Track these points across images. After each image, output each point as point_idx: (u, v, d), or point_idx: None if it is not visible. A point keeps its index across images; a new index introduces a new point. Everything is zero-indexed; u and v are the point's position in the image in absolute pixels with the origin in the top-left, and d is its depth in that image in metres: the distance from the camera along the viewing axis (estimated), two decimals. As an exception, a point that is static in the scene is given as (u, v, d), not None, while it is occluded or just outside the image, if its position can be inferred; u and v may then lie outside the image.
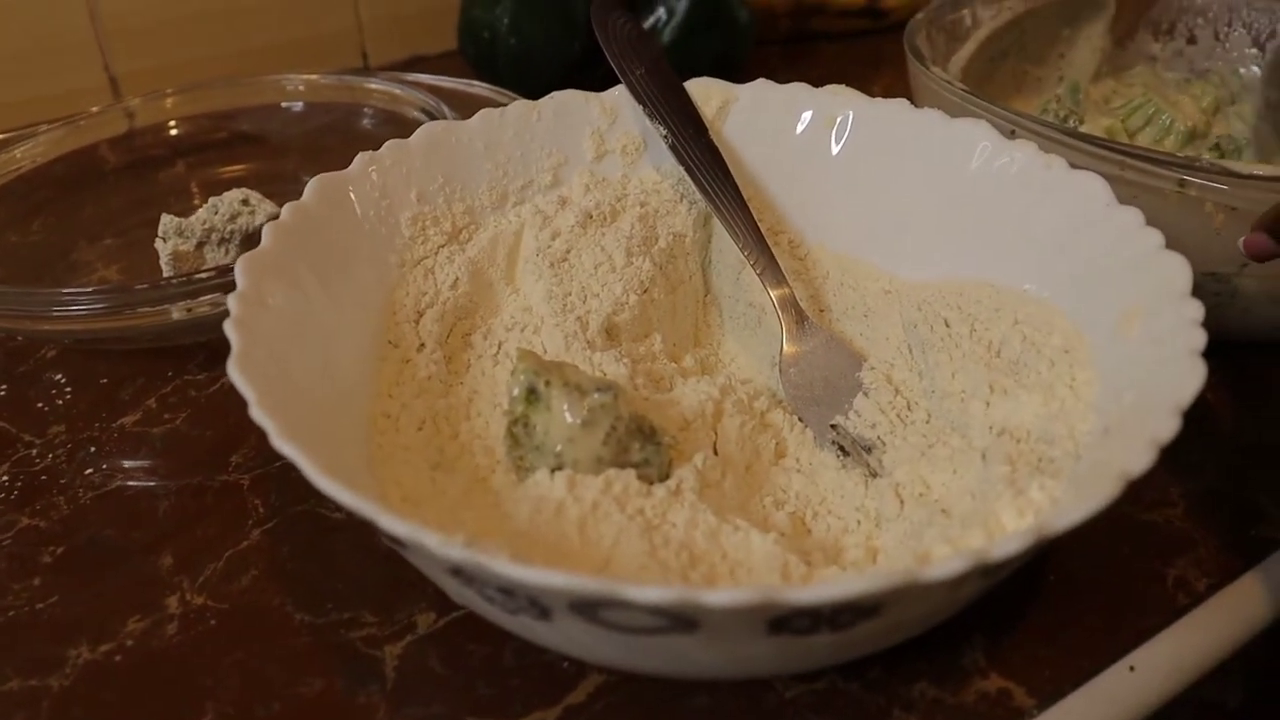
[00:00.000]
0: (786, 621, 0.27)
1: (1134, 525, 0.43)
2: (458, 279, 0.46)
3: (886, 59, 0.51)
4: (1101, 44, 0.67)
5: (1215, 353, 0.33)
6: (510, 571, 0.26)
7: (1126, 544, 0.42)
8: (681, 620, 0.26)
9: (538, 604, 0.28)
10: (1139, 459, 0.29)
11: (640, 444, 0.37)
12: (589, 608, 0.26)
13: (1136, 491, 0.43)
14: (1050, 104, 0.63)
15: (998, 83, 0.65)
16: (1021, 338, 0.41)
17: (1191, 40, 0.69)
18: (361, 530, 0.44)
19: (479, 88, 0.67)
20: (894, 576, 0.25)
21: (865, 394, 0.43)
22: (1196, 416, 0.30)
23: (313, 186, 0.43)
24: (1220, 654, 0.39)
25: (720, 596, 0.25)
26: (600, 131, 0.51)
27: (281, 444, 0.30)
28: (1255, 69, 0.67)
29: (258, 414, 0.31)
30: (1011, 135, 0.47)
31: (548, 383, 0.37)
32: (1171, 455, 0.30)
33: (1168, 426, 0.30)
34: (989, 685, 0.37)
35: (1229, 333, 0.47)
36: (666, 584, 0.30)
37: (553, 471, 0.36)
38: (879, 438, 0.42)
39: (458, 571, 0.28)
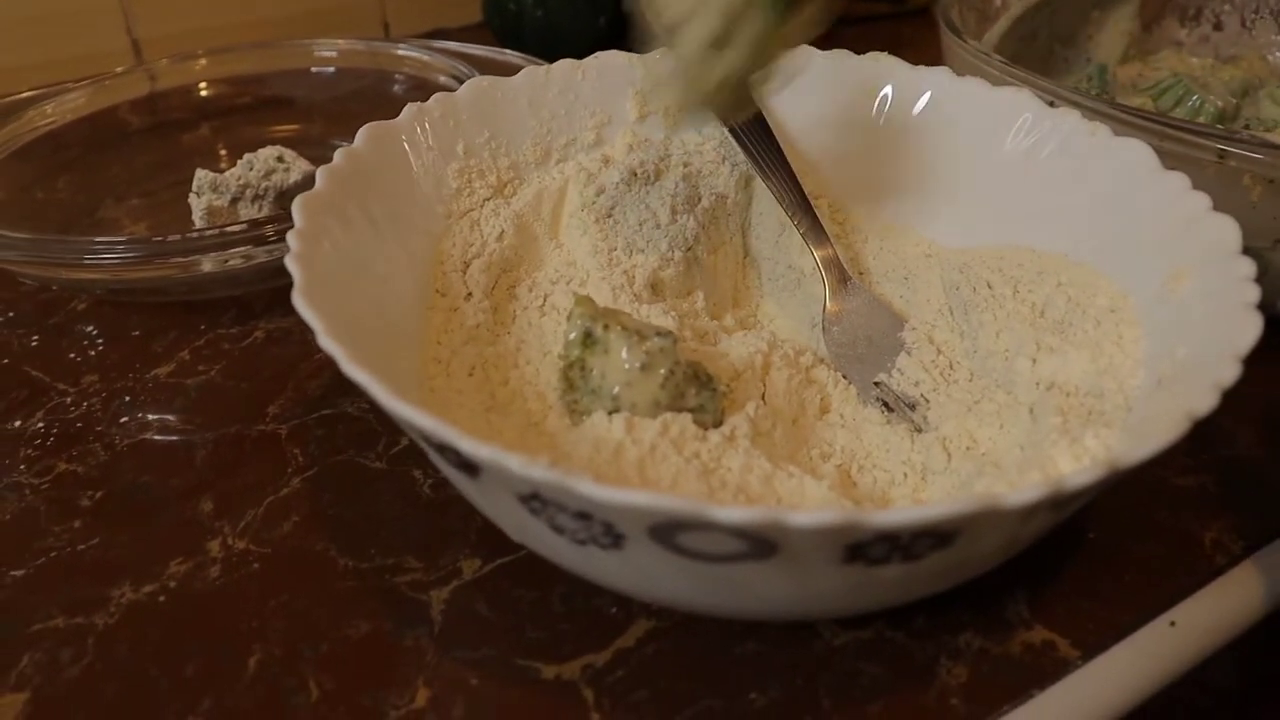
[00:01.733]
0: (864, 548, 0.27)
1: (1170, 490, 0.44)
2: (503, 231, 0.46)
3: (906, 42, 0.52)
4: (1130, 27, 0.68)
5: None
6: (596, 493, 0.26)
7: (1162, 508, 0.43)
8: (762, 544, 0.26)
9: (613, 531, 0.28)
10: (1204, 399, 0.29)
11: (696, 390, 0.38)
12: (670, 531, 0.27)
13: (1170, 457, 0.44)
14: (1081, 84, 0.64)
15: (1027, 63, 0.65)
16: (1066, 298, 0.41)
17: (1218, 26, 0.70)
18: (403, 479, 0.44)
19: (509, 55, 0.67)
20: (977, 500, 0.26)
21: (908, 353, 0.44)
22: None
23: (364, 134, 0.43)
24: (1258, 612, 0.40)
25: (806, 518, 0.25)
26: (643, 92, 0.51)
27: (352, 369, 0.30)
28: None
29: (326, 342, 0.31)
30: (1052, 105, 0.47)
31: (605, 326, 0.38)
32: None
33: (1230, 371, 0.30)
34: (1034, 636, 0.37)
35: (1262, 307, 0.47)
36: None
37: (610, 414, 0.36)
38: (922, 395, 0.42)
39: (533, 497, 0.28)
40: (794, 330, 0.48)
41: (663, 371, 0.37)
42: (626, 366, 0.37)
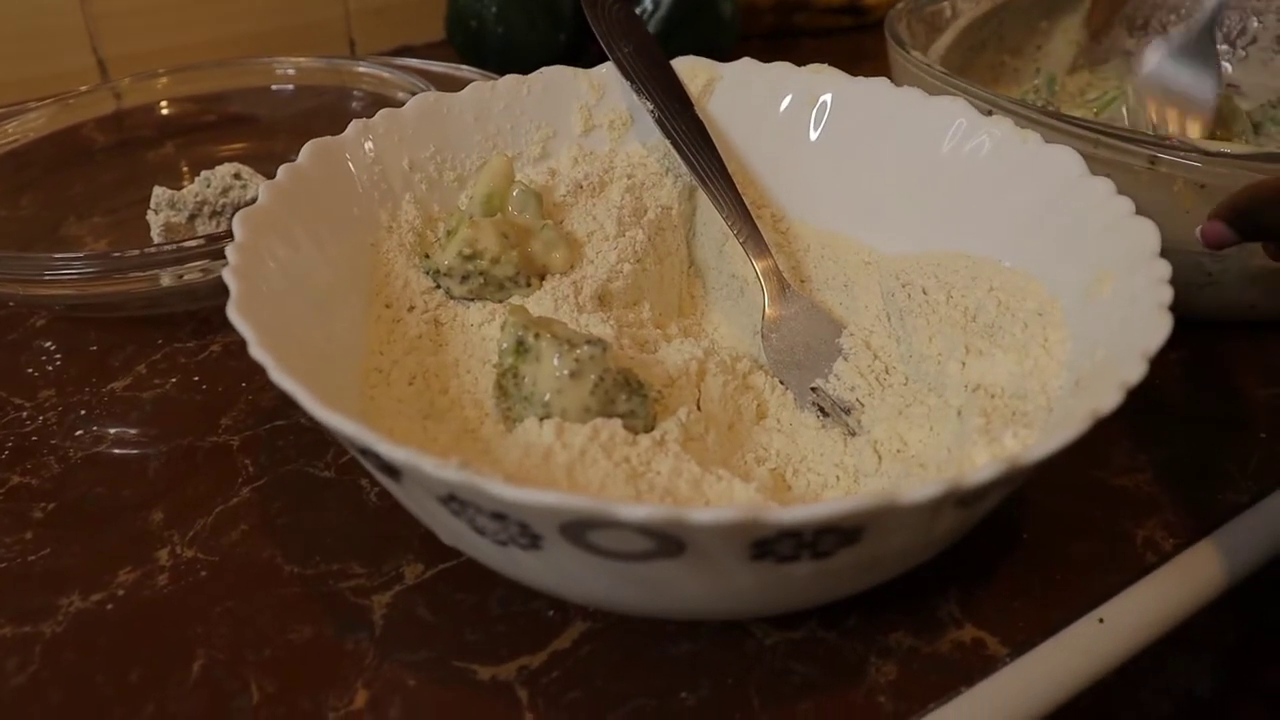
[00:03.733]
0: (769, 545, 0.28)
1: (1104, 489, 0.44)
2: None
3: (867, 55, 0.53)
4: (1077, 37, 0.69)
5: (1182, 331, 0.34)
6: (504, 493, 0.26)
7: (1098, 507, 0.44)
8: (669, 542, 0.27)
9: (528, 531, 0.29)
10: (1108, 399, 0.30)
11: (626, 395, 0.38)
12: (579, 529, 0.27)
13: (1107, 458, 0.45)
14: (1028, 94, 0.65)
15: (976, 73, 0.67)
16: (996, 303, 0.42)
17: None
18: (350, 487, 0.45)
19: (467, 71, 0.68)
20: (873, 498, 0.26)
21: (845, 358, 0.45)
22: (1164, 390, 0.31)
23: (308, 150, 0.44)
24: (1186, 609, 0.40)
25: (706, 514, 0.26)
26: (588, 106, 0.52)
27: (280, 378, 0.31)
28: (1228, 66, 0.69)
29: (257, 352, 0.32)
30: (988, 114, 0.48)
31: (536, 335, 0.38)
32: (1141, 425, 0.31)
33: (1135, 370, 0.31)
34: (964, 635, 0.38)
35: (1196, 311, 0.48)
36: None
37: (541, 420, 0.37)
38: (858, 399, 0.43)
39: (451, 498, 0.29)
40: (737, 338, 0.49)
41: (592, 378, 0.37)
42: (557, 374, 0.37)
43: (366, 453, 0.30)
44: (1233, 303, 0.51)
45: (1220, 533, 0.43)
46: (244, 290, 0.35)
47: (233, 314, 0.33)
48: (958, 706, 0.36)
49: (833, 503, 0.26)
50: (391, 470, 0.30)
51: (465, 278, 0.45)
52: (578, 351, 0.38)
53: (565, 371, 0.37)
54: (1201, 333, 0.33)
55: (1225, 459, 0.46)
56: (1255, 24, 0.69)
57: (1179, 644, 0.38)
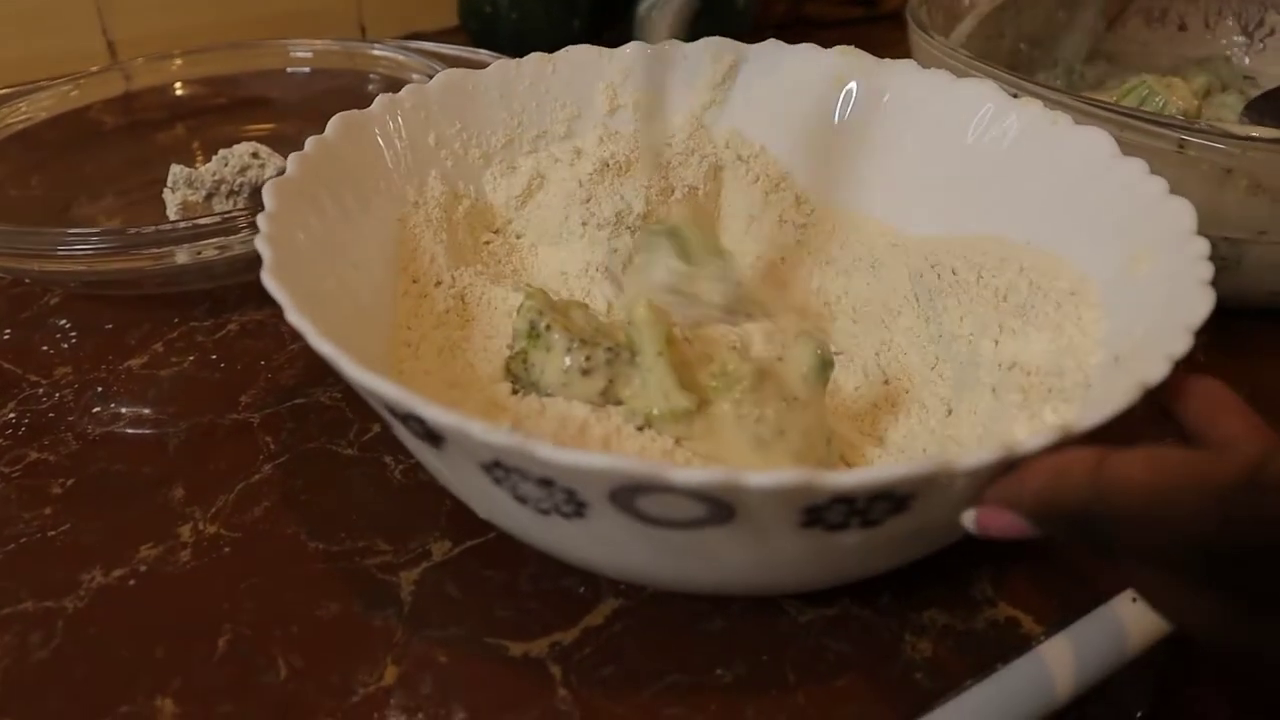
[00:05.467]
0: (821, 512, 0.27)
1: (1134, 472, 0.44)
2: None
3: (880, 46, 0.52)
4: (1095, 27, 0.69)
5: (1216, 319, 0.34)
6: (556, 456, 0.26)
7: (1127, 489, 0.43)
8: (720, 507, 0.27)
9: (574, 498, 0.28)
10: (1155, 370, 0.30)
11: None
12: (630, 495, 0.27)
13: (1135, 440, 0.45)
14: (1049, 82, 0.64)
15: (993, 61, 0.67)
16: (1028, 283, 0.42)
17: (1182, 27, 0.71)
18: (373, 465, 0.44)
19: (483, 55, 0.67)
20: (928, 463, 0.26)
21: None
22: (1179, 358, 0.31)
23: (335, 123, 0.43)
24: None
25: (761, 477, 0.25)
26: (613, 86, 0.51)
27: (319, 342, 0.30)
28: (1245, 58, 0.69)
29: (294, 317, 0.31)
30: (1015, 97, 0.48)
31: (549, 326, 0.38)
32: (1169, 410, 0.31)
33: (1181, 343, 0.31)
34: (998, 613, 0.38)
35: (1223, 298, 0.48)
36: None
37: None
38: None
39: (495, 465, 0.29)
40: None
41: (602, 382, 0.37)
42: (565, 368, 0.37)
43: (409, 418, 0.29)
44: (1252, 289, 0.51)
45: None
46: (278, 257, 0.34)
47: (267, 279, 0.33)
48: (995, 683, 0.35)
49: (887, 467, 0.26)
50: (435, 436, 0.29)
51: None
52: (589, 352, 0.37)
53: (576, 368, 0.37)
54: (1220, 319, 0.33)
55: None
56: (1273, 16, 0.69)
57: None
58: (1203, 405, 0.31)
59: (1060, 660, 0.36)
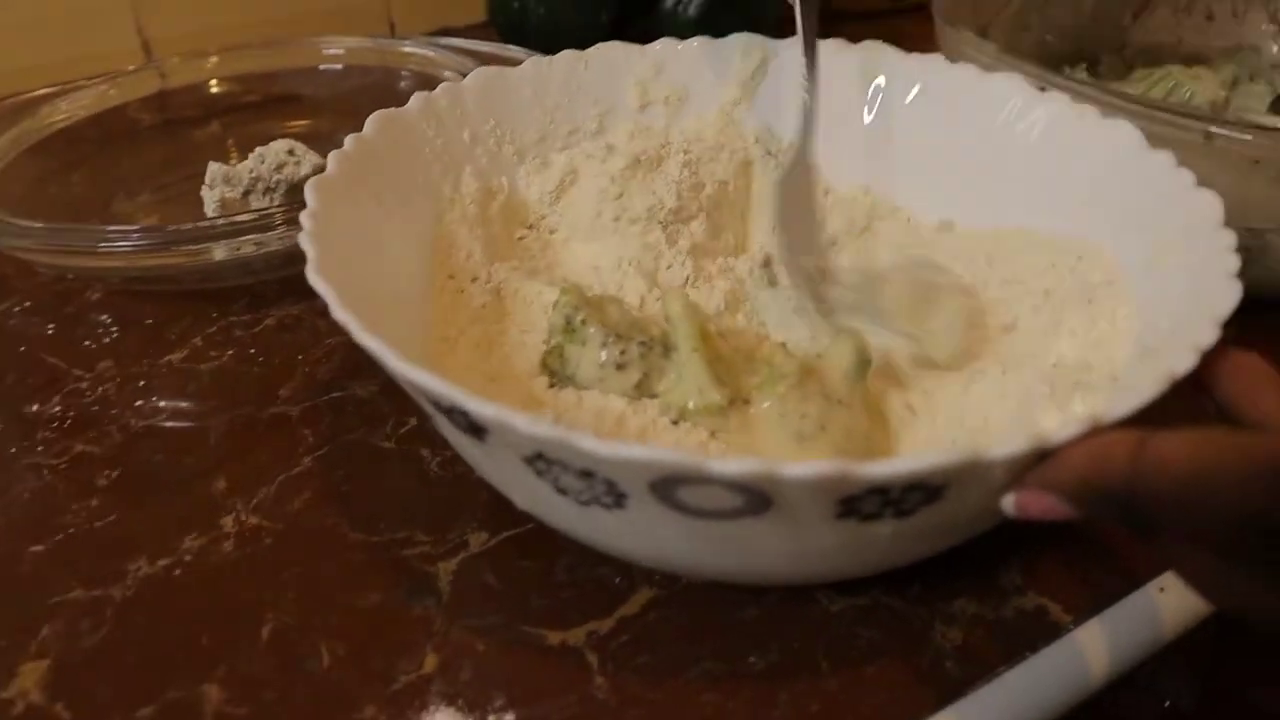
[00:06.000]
0: (855, 503, 0.28)
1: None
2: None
3: (906, 38, 0.53)
4: (1121, 18, 0.69)
5: (1239, 310, 0.34)
6: (597, 448, 0.27)
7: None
8: (757, 498, 0.28)
9: (615, 489, 0.29)
10: (1183, 360, 0.30)
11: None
12: (670, 486, 0.28)
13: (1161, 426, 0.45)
14: (1074, 75, 0.65)
15: (1020, 53, 0.67)
16: (1059, 276, 0.42)
17: (1210, 17, 0.71)
18: (411, 457, 0.45)
19: (514, 51, 0.68)
20: (961, 453, 0.27)
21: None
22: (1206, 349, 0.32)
23: (373, 121, 0.44)
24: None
25: (798, 468, 0.26)
26: (644, 82, 0.52)
27: (365, 337, 0.31)
28: (1273, 47, 0.69)
29: (339, 313, 0.32)
30: (1042, 90, 0.48)
31: (584, 320, 0.39)
32: (1192, 401, 0.31)
33: (1209, 334, 0.31)
34: (1026, 602, 0.38)
35: (1250, 289, 0.48)
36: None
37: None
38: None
39: (537, 457, 0.29)
40: (782, 318, 0.49)
41: (637, 375, 0.38)
42: (601, 363, 0.38)
43: (452, 411, 0.30)
44: (1275, 280, 0.51)
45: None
46: (322, 255, 0.35)
47: (313, 277, 0.34)
48: (1029, 669, 0.36)
49: (921, 456, 0.26)
50: (477, 429, 0.30)
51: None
52: (624, 346, 0.38)
53: (611, 364, 0.38)
54: (1244, 310, 0.33)
55: (1279, 435, 0.46)
56: (1302, 6, 0.69)
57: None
58: (1242, 383, 0.30)
59: (1094, 646, 0.36)
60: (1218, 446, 0.25)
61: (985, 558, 0.39)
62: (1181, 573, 0.30)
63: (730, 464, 0.26)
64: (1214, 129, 0.46)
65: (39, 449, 0.46)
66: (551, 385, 0.40)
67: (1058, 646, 0.36)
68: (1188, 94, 0.62)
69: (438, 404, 0.31)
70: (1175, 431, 0.26)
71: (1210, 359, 0.31)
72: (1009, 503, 0.29)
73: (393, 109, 0.45)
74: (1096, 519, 0.28)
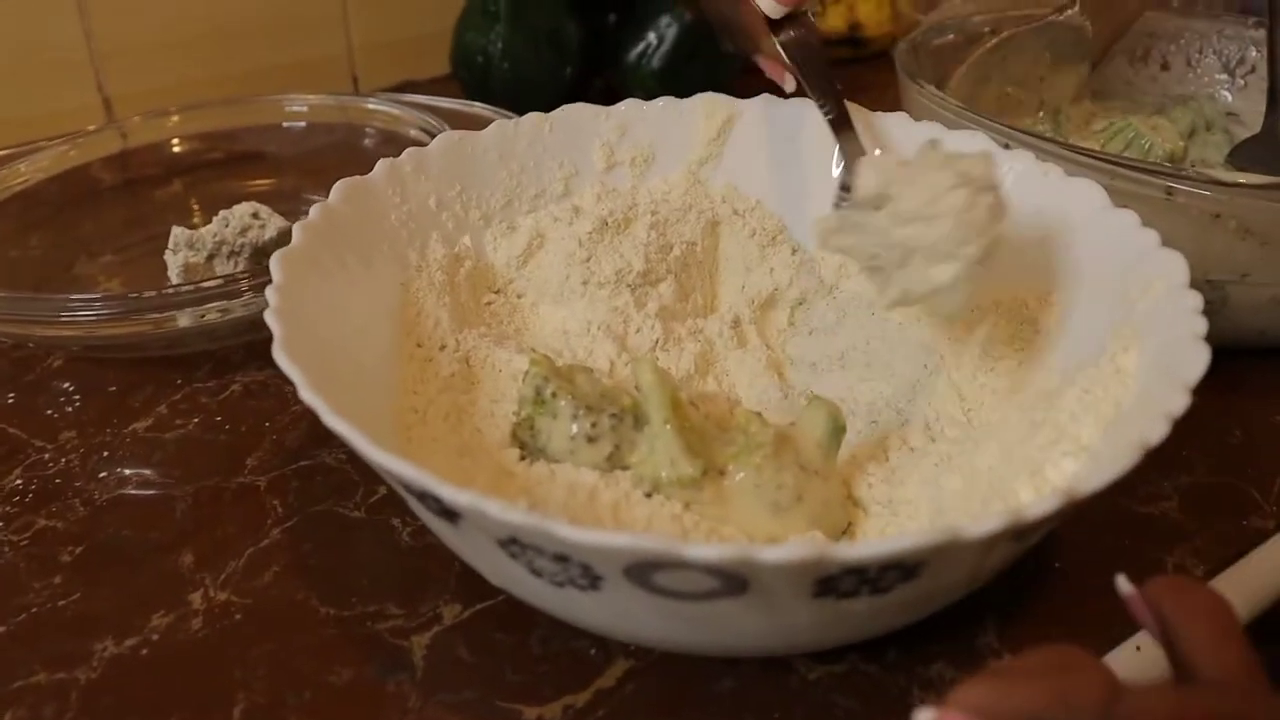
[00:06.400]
0: (833, 582, 0.28)
1: (1132, 518, 0.45)
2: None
3: (866, 86, 0.53)
4: (1080, 68, 0.70)
5: None
6: (573, 535, 0.27)
7: (1126, 535, 0.44)
8: (734, 581, 0.27)
9: (590, 572, 0.29)
10: (1155, 429, 0.31)
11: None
12: (645, 571, 0.27)
13: (1132, 487, 0.46)
14: (1035, 125, 0.65)
15: (982, 104, 0.68)
16: (1024, 336, 0.43)
17: (1165, 66, 0.72)
18: (381, 527, 0.44)
19: (478, 107, 0.68)
20: (937, 534, 0.27)
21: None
22: (1186, 417, 0.32)
23: (339, 189, 0.44)
24: (1220, 637, 0.41)
25: (775, 553, 0.26)
26: (609, 144, 0.52)
27: (334, 421, 0.31)
28: (1227, 95, 0.70)
29: (308, 395, 0.32)
30: (1006, 148, 0.49)
31: (554, 393, 0.39)
32: (1164, 453, 0.31)
33: (1179, 401, 0.31)
34: (1003, 665, 0.38)
35: (1217, 338, 0.49)
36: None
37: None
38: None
39: (511, 541, 0.29)
40: (753, 377, 0.49)
41: (609, 447, 0.38)
42: (572, 435, 0.38)
43: (425, 496, 0.30)
44: (1243, 329, 0.52)
45: (1248, 559, 0.43)
46: (288, 332, 0.35)
47: (279, 357, 0.34)
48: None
49: (897, 539, 0.26)
50: (450, 514, 0.30)
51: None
52: (595, 419, 0.38)
53: (582, 435, 0.38)
54: (1214, 359, 0.34)
55: (1248, 484, 0.47)
56: (1254, 53, 0.70)
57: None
58: (1203, 633, 0.27)
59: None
60: (1200, 710, 0.22)
61: (960, 619, 0.39)
62: None
63: (707, 549, 0.26)
64: (1175, 184, 0.47)
65: None
66: (523, 458, 0.39)
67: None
68: (1147, 145, 0.63)
69: (409, 489, 0.30)
70: (1151, 688, 0.24)
71: (1152, 591, 0.28)
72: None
73: (358, 177, 0.45)
74: None
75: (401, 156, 0.47)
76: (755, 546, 0.26)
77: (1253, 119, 0.67)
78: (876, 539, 0.27)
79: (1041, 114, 0.69)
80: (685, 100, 0.53)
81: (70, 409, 0.53)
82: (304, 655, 0.39)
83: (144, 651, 0.39)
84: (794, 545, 0.26)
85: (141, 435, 0.51)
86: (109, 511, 0.46)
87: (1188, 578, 0.29)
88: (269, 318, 0.35)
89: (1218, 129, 0.66)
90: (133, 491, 0.47)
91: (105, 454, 0.50)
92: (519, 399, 0.40)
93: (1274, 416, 0.51)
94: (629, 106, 0.52)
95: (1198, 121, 0.66)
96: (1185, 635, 0.27)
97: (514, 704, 0.37)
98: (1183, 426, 0.31)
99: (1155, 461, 0.30)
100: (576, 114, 0.52)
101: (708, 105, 0.53)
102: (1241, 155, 0.61)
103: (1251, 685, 0.25)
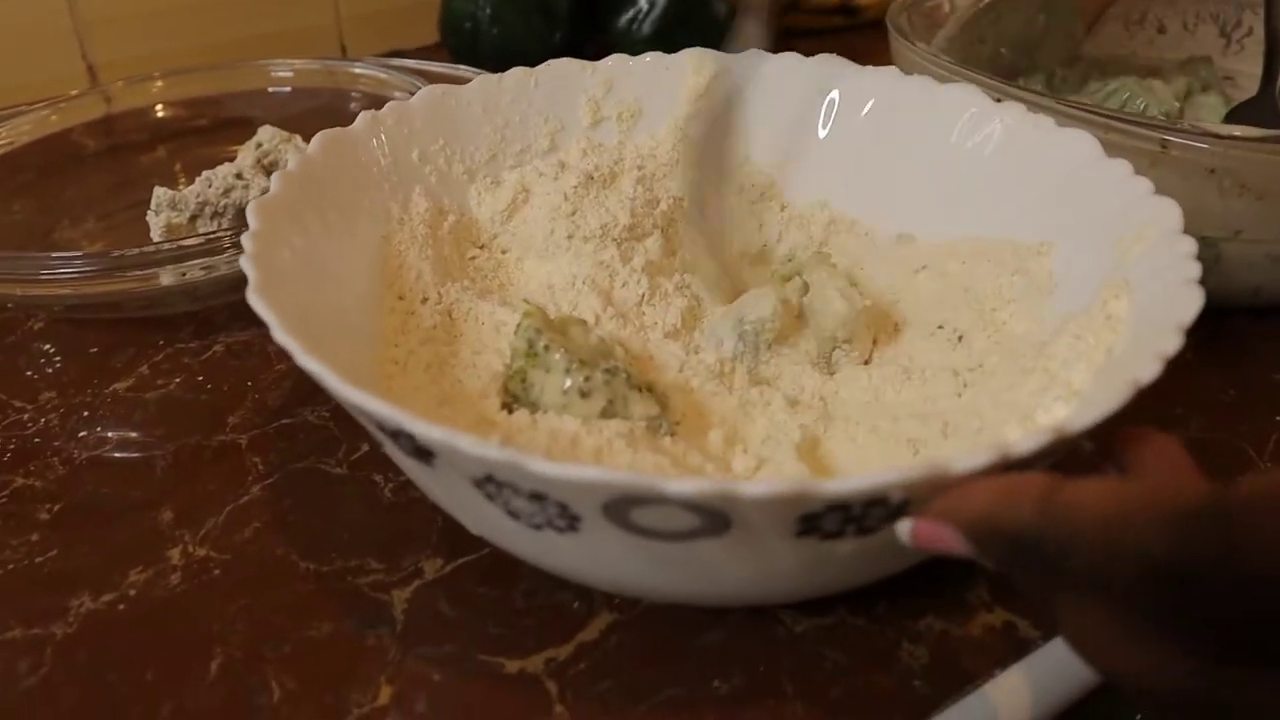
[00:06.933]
0: (816, 520, 0.27)
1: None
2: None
3: (860, 54, 0.52)
4: (1074, 31, 0.69)
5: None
6: (547, 470, 0.26)
7: (1119, 491, 0.43)
8: (715, 518, 0.27)
9: (568, 511, 0.28)
10: (1147, 369, 0.30)
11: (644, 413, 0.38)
12: (624, 508, 0.27)
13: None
14: (1030, 86, 0.65)
15: (975, 67, 0.67)
16: (1016, 284, 0.42)
17: (1161, 30, 0.72)
18: (363, 483, 0.44)
19: (465, 71, 0.67)
20: (923, 468, 0.26)
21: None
22: (1175, 374, 0.31)
23: (318, 140, 0.43)
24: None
25: (756, 487, 0.25)
26: (595, 99, 0.51)
27: (307, 360, 0.30)
28: (1224, 59, 0.69)
29: (281, 336, 0.31)
30: (998, 102, 0.48)
31: (547, 346, 0.38)
32: (1157, 411, 0.31)
33: (1172, 342, 0.31)
34: (994, 619, 0.38)
35: (1210, 296, 0.48)
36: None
37: None
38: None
39: (487, 480, 0.29)
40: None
41: (603, 402, 0.37)
42: (565, 389, 0.37)
43: (398, 434, 0.29)
44: (1237, 287, 0.51)
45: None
46: (262, 277, 0.34)
47: (253, 299, 0.33)
48: (994, 687, 0.35)
49: (882, 473, 0.26)
50: (424, 453, 0.29)
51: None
52: (589, 373, 0.37)
53: (575, 391, 0.37)
54: (1207, 317, 0.33)
55: (1242, 440, 0.46)
56: (1250, 17, 0.69)
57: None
58: (1158, 468, 0.29)
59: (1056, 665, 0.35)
60: (1134, 493, 0.24)
61: (951, 574, 0.39)
62: (1067, 627, 0.27)
63: (685, 484, 0.25)
64: (1170, 137, 0.46)
65: (-24, 484, 0.45)
66: (506, 408, 0.39)
67: (1024, 664, 0.35)
68: (1142, 105, 0.62)
69: (383, 427, 0.30)
70: (1090, 479, 0.25)
71: (1126, 440, 0.30)
72: (905, 529, 0.28)
73: (339, 129, 0.44)
74: (989, 560, 0.27)
75: (384, 109, 0.46)
76: (736, 481, 0.25)
77: (1249, 82, 0.66)
78: (858, 475, 0.26)
79: (1036, 77, 0.68)
80: (672, 55, 0.52)
81: (51, 370, 0.52)
82: (283, 610, 0.39)
83: (121, 607, 0.39)
84: (776, 480, 0.25)
85: (122, 395, 0.50)
86: (88, 470, 0.46)
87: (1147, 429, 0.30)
88: (244, 263, 0.35)
89: (1214, 92, 0.66)
90: (112, 451, 0.47)
91: (85, 414, 0.49)
92: (511, 351, 0.39)
93: (1267, 373, 0.50)
94: (615, 61, 0.52)
95: (1194, 84, 0.65)
96: (1138, 467, 0.29)
97: (495, 656, 0.36)
98: (1176, 384, 0.31)
99: (1148, 418, 0.30)
100: (562, 69, 0.51)
101: (695, 60, 0.52)
102: (1238, 118, 0.60)
103: (1190, 477, 0.28)
